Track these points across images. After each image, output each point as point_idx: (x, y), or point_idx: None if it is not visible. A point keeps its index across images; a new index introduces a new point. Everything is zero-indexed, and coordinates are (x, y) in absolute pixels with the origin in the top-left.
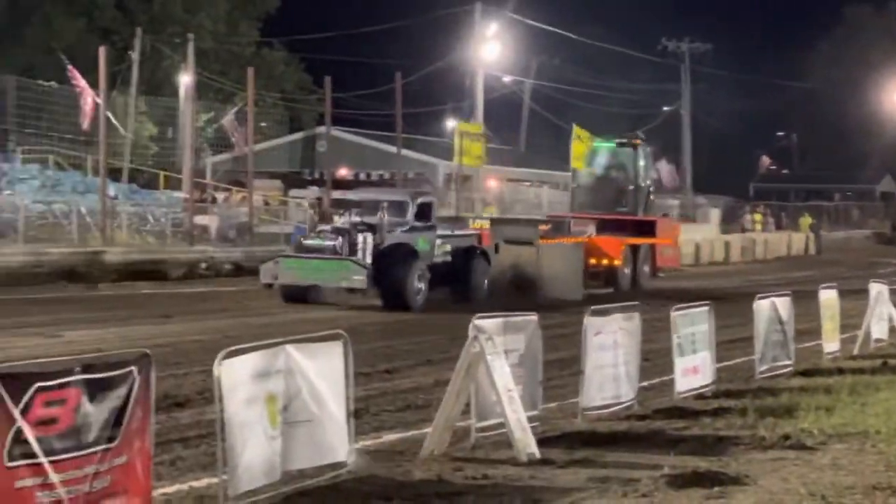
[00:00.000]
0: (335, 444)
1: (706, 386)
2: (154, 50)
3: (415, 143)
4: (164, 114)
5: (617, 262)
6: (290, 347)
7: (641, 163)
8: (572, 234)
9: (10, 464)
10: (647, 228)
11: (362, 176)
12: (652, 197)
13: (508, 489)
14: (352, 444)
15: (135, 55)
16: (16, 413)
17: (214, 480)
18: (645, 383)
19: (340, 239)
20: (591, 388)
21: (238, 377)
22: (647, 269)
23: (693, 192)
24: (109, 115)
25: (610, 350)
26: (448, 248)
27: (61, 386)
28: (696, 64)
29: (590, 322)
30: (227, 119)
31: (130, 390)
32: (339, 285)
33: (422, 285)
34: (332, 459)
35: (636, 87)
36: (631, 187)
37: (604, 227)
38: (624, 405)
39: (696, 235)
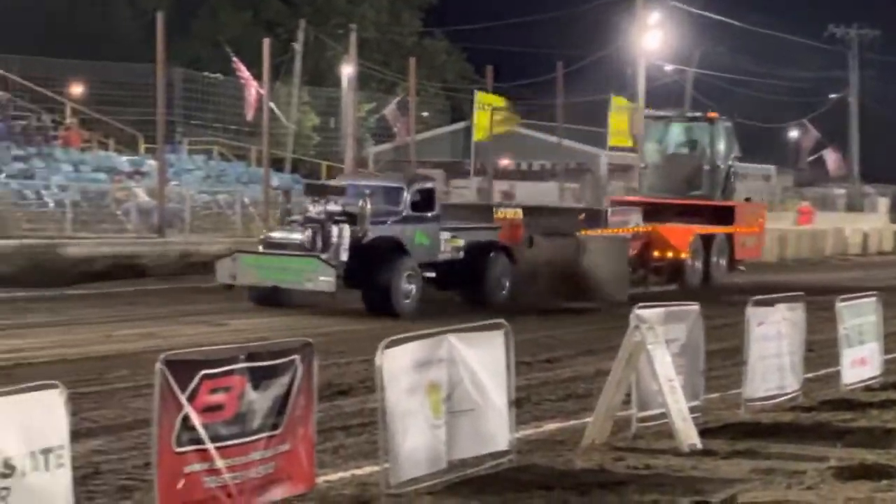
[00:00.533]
0: (497, 433)
1: (874, 377)
2: (317, 41)
3: (576, 133)
4: (326, 104)
5: (683, 255)
6: (451, 336)
7: (720, 140)
8: (610, 225)
9: (179, 449)
10: (724, 215)
11: (524, 166)
12: (733, 179)
13: (670, 479)
14: (512, 433)
15: (298, 46)
16: (183, 399)
17: (377, 468)
18: (810, 375)
19: (310, 232)
20: (754, 378)
21: (400, 366)
22: (723, 262)
23: (861, 180)
24: (273, 106)
25: (774, 340)
26: (461, 242)
27: (226, 373)
28: (865, 50)
29: (752, 312)
30: (389, 109)
31: (293, 378)
32: (303, 287)
33: (412, 287)
34: (494, 448)
35: (802, 74)
36: (707, 168)
37: (671, 213)
38: (788, 396)
39: (864, 225)
